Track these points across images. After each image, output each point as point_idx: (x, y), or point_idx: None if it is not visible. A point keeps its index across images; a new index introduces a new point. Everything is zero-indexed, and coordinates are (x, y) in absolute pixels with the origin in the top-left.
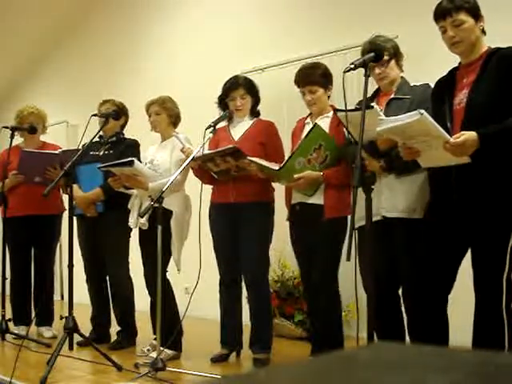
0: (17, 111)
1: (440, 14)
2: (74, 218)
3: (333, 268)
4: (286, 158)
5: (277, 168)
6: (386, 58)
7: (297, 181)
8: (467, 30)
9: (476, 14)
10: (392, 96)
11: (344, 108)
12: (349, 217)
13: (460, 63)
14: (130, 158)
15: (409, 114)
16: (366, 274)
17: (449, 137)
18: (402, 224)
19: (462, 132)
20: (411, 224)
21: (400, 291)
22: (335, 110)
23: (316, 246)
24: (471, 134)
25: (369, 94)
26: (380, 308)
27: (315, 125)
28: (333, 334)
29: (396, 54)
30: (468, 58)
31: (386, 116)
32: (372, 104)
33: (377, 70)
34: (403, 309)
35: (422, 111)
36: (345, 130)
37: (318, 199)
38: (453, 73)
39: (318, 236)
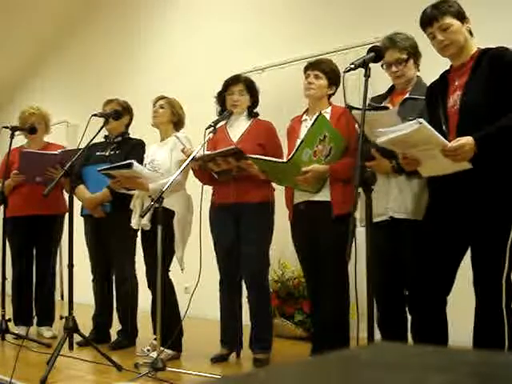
0: (19, 112)
1: (426, 22)
2: (76, 218)
3: (344, 267)
4: (294, 150)
5: (285, 160)
6: (404, 56)
7: (303, 175)
8: (455, 32)
9: (461, 17)
10: (407, 95)
11: (353, 107)
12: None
13: (451, 66)
14: (128, 161)
15: (408, 123)
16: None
17: (447, 142)
18: (410, 225)
19: (459, 138)
20: (419, 225)
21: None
22: (349, 108)
23: (324, 245)
24: (468, 139)
25: (382, 92)
26: (385, 308)
27: (320, 114)
28: (340, 334)
29: (415, 54)
30: (458, 60)
31: (400, 115)
32: (387, 105)
33: (393, 68)
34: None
35: (422, 120)
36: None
37: (324, 196)
38: (444, 76)
39: (326, 234)
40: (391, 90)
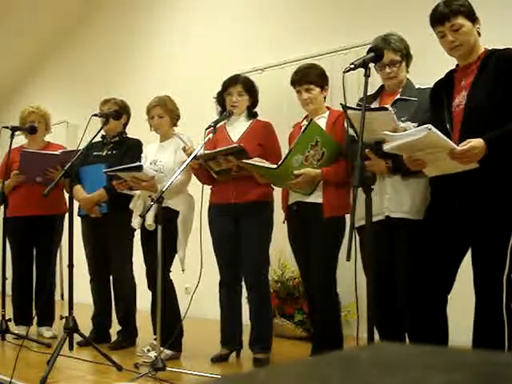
0: (20, 111)
1: (437, 20)
2: (76, 218)
3: (332, 268)
4: (284, 156)
5: (275, 166)
6: (398, 58)
7: (295, 178)
8: (466, 34)
9: (473, 17)
10: (398, 96)
11: (349, 107)
12: (347, 216)
13: (457, 65)
14: (138, 163)
15: (416, 129)
16: (366, 273)
17: (455, 145)
18: (406, 225)
19: (468, 140)
20: (415, 225)
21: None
22: (344, 107)
23: (314, 246)
24: (478, 141)
25: (371, 92)
26: (381, 307)
27: (311, 121)
28: (332, 334)
29: (407, 56)
30: (466, 60)
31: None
32: (387, 106)
33: (387, 70)
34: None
35: (430, 126)
36: (348, 127)
37: (316, 198)
38: (450, 75)
39: (316, 235)
40: (380, 90)
